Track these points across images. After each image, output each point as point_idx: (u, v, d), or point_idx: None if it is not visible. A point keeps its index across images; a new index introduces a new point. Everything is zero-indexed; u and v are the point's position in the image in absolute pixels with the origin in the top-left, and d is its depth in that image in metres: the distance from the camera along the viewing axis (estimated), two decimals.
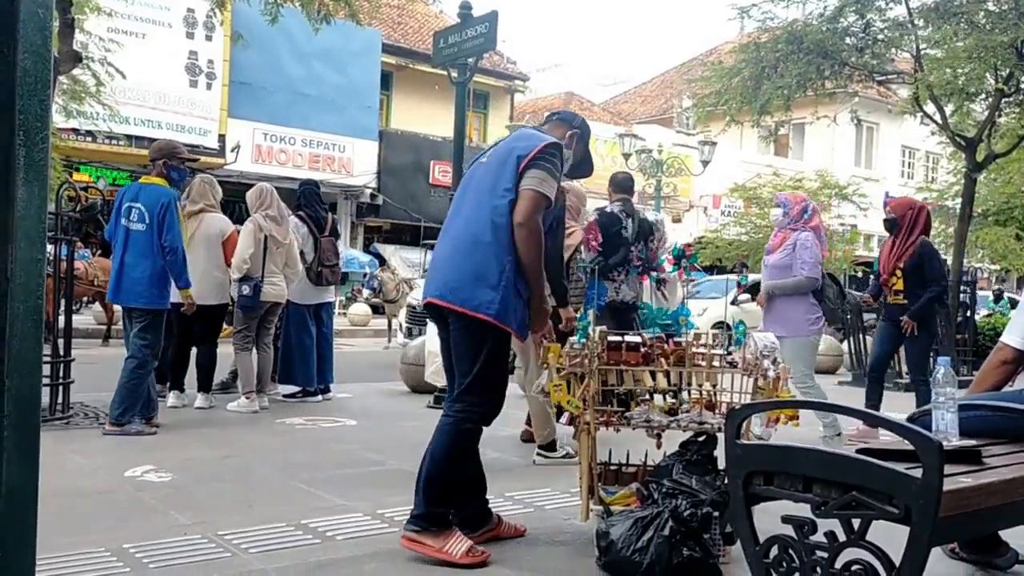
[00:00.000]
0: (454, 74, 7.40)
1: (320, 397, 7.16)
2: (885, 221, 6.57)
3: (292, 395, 7.15)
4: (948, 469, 2.06)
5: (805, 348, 5.76)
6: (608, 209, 6.00)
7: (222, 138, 17.60)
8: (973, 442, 2.55)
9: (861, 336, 10.36)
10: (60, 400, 5.84)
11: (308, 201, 7.27)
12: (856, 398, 8.56)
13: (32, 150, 1.11)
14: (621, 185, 6.20)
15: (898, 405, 6.72)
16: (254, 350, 6.71)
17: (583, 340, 3.49)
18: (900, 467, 2.07)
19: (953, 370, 2.58)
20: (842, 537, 2.12)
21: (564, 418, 3.56)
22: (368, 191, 20.18)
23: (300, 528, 3.50)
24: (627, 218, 5.86)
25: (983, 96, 12.77)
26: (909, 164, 30.53)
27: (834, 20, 12.69)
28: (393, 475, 4.65)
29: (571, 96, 30.90)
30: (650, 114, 30.99)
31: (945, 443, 2.17)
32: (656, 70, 36.16)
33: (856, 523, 2.10)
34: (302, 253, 6.96)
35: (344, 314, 16.95)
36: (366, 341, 15.69)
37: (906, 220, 6.39)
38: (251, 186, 7.02)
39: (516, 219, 3.13)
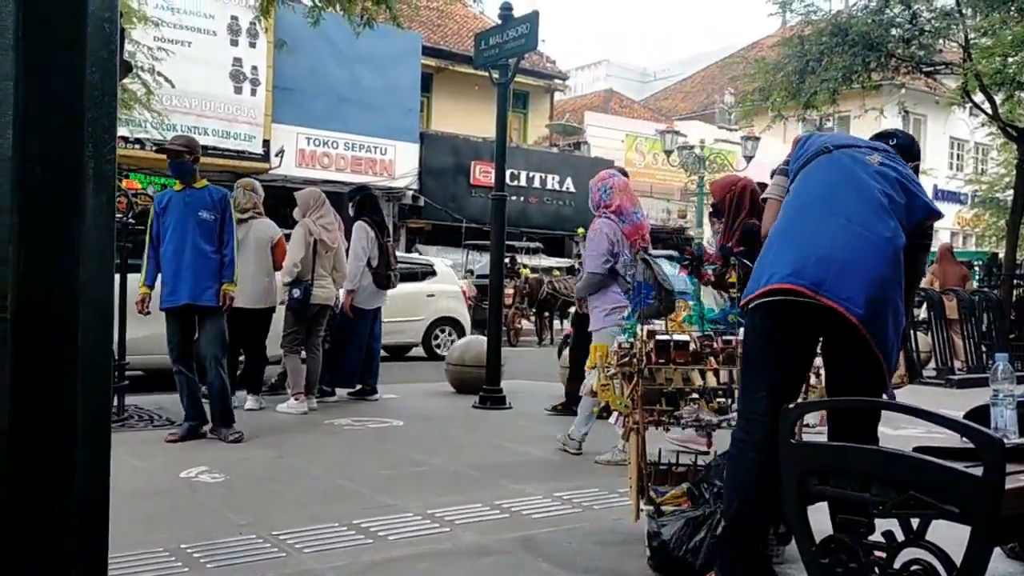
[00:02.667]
0: (495, 75, 7.42)
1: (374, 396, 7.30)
2: (710, 207, 5.65)
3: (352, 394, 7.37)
4: (1009, 467, 2.02)
5: (602, 338, 4.98)
6: None
7: (266, 143, 17.82)
8: None
9: (912, 333, 10.18)
10: (116, 403, 5.96)
11: (372, 207, 7.36)
12: (908, 396, 8.41)
13: (100, 162, 1.15)
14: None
15: (950, 403, 6.60)
16: (303, 352, 6.79)
17: (631, 339, 3.48)
18: (959, 465, 2.04)
19: (1011, 366, 2.52)
20: (901, 537, 2.09)
21: (613, 417, 3.54)
22: (410, 193, 20.29)
23: (352, 528, 3.54)
24: None
25: None
26: (958, 156, 29.93)
27: (880, 11, 12.48)
28: (441, 475, 4.68)
29: (611, 94, 30.80)
30: (691, 110, 30.75)
31: (1006, 440, 2.13)
32: (697, 66, 35.78)
33: (915, 523, 2.07)
34: (369, 259, 7.04)
35: None
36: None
37: (727, 203, 5.29)
38: (295, 190, 7.13)
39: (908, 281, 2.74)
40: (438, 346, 12.05)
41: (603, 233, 5.08)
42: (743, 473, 2.64)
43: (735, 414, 3.39)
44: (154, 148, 15.87)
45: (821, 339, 2.74)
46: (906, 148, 3.01)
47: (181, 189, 5.59)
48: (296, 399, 6.54)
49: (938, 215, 2.88)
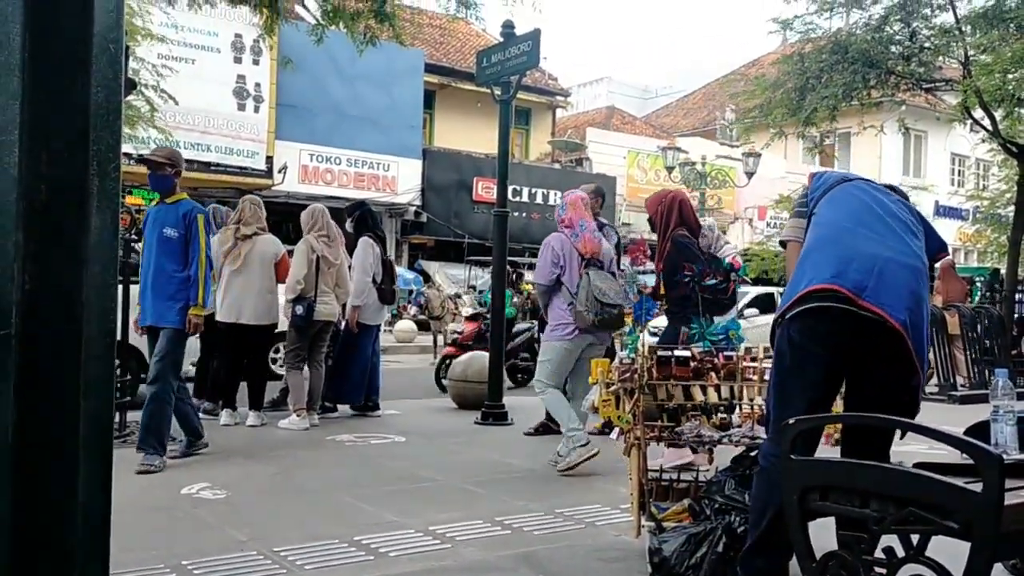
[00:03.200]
0: (498, 92, 7.46)
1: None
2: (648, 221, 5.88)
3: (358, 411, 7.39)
4: (1009, 483, 2.02)
5: (545, 352, 5.32)
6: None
7: (269, 159, 17.91)
8: None
9: None
10: (118, 419, 5.96)
11: (372, 222, 7.38)
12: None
13: (105, 180, 1.16)
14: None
15: (952, 419, 6.58)
16: (306, 368, 6.80)
17: (632, 355, 3.49)
18: (959, 481, 2.04)
19: (1012, 382, 2.53)
20: (901, 553, 2.09)
21: (614, 433, 3.55)
22: (412, 209, 20.36)
23: (353, 544, 3.54)
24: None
25: None
26: (959, 172, 29.96)
27: (879, 29, 12.55)
28: (444, 491, 4.68)
29: (612, 111, 30.91)
30: (693, 127, 30.85)
31: (1005, 456, 2.13)
32: (698, 83, 35.93)
33: (915, 539, 2.07)
34: (373, 274, 7.06)
35: (390, 331, 17.10)
36: (411, 357, 15.78)
37: (659, 216, 5.53)
38: (299, 206, 7.16)
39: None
40: None
41: (549, 246, 5.25)
42: (775, 488, 2.57)
43: (736, 429, 3.40)
44: (135, 160, 16.05)
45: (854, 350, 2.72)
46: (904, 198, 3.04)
47: (157, 204, 5.40)
48: (298, 415, 6.54)
49: (947, 251, 2.92)
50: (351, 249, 7.17)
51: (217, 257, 6.53)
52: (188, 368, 6.47)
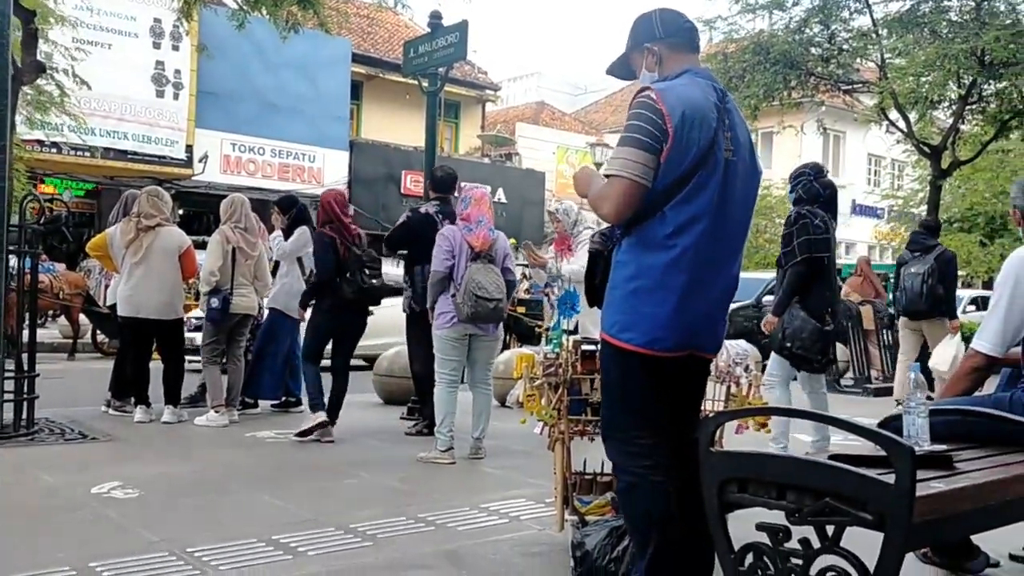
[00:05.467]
0: (425, 84, 7.39)
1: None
2: None
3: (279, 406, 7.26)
4: (920, 474, 2.06)
5: (434, 343, 5.43)
6: (422, 210, 6.09)
7: (189, 148, 17.43)
8: (944, 447, 2.56)
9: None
10: (25, 416, 5.72)
11: (308, 218, 7.10)
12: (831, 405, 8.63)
13: None
14: (441, 184, 6.27)
15: (867, 411, 6.78)
16: (224, 363, 6.63)
17: (556, 350, 3.48)
18: (873, 473, 2.07)
19: (924, 376, 2.59)
20: (816, 544, 2.12)
21: (537, 428, 3.54)
22: None
23: (271, 544, 3.45)
24: (443, 220, 5.88)
25: (947, 104, 13.00)
26: (875, 172, 30.95)
27: (799, 31, 12.86)
28: (365, 489, 4.61)
29: (542, 106, 31.00)
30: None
31: (917, 448, 2.18)
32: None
33: (830, 529, 2.10)
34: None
35: None
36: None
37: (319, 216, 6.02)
38: (220, 197, 6.97)
39: None
40: None
41: (444, 236, 5.38)
42: (656, 501, 2.47)
43: None
44: (72, 151, 15.47)
45: None
46: None
47: None
48: (216, 411, 6.37)
49: None
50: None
51: (119, 249, 6.32)
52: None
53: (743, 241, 2.66)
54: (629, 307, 2.48)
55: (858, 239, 29.12)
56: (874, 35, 12.65)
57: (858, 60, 13.63)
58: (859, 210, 29.35)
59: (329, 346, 6.07)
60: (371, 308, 6.15)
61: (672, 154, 2.42)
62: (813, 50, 13.12)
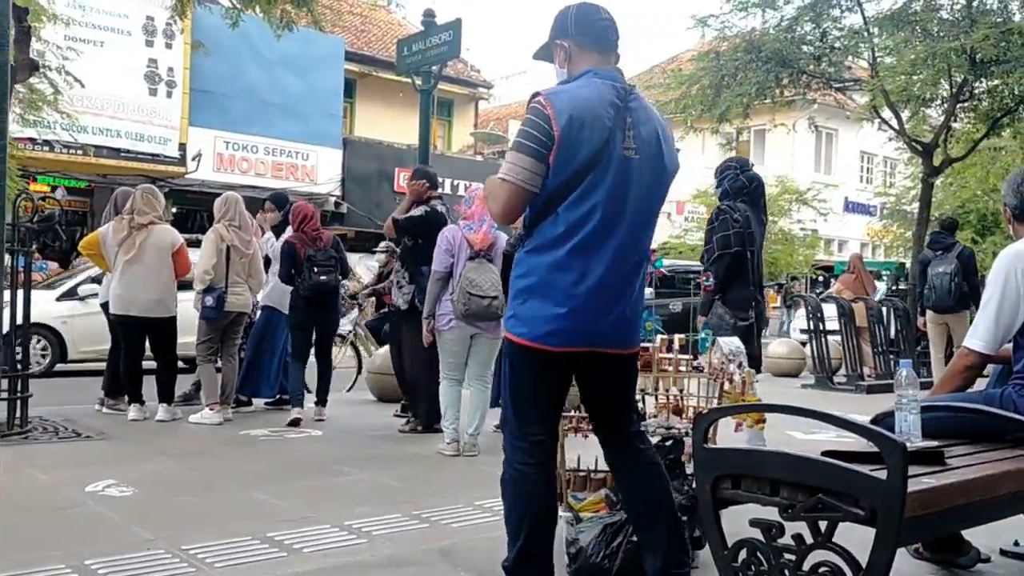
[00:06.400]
0: (418, 82, 7.40)
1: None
2: None
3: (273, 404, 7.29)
4: (912, 470, 2.08)
5: (437, 343, 5.59)
6: (440, 208, 6.25)
7: (183, 147, 17.36)
8: (936, 443, 2.58)
9: (824, 339, 10.49)
10: (19, 414, 5.72)
11: None
12: (820, 401, 8.69)
13: None
14: (435, 181, 6.52)
15: (860, 408, 6.80)
16: (218, 361, 6.64)
17: None
18: (865, 469, 2.10)
19: (915, 372, 2.62)
20: (809, 540, 2.14)
21: None
22: (332, 199, 20.02)
23: (266, 541, 3.46)
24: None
25: (938, 102, 13.04)
26: (868, 169, 31.04)
27: (791, 29, 12.88)
28: (360, 486, 4.62)
29: None
30: None
31: (908, 444, 2.20)
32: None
33: (823, 525, 2.12)
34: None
35: None
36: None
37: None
38: (213, 195, 6.97)
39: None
40: None
41: (444, 236, 5.50)
42: (533, 496, 2.64)
43: (652, 419, 3.44)
44: (64, 149, 15.40)
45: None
46: None
47: None
48: (211, 409, 6.38)
49: None
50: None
51: (111, 247, 6.32)
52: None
53: (647, 239, 2.70)
54: (519, 303, 2.59)
55: (851, 236, 29.20)
56: (865, 33, 12.68)
57: (849, 58, 13.67)
58: (852, 207, 29.44)
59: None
60: None
61: (560, 154, 2.46)
62: (805, 48, 13.15)
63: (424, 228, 6.05)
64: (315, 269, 6.41)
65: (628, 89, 2.61)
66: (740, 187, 4.94)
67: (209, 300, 6.36)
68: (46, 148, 15.34)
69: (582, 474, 3.59)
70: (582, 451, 3.70)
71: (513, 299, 2.63)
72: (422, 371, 5.99)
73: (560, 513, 3.42)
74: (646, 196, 2.61)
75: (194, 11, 9.46)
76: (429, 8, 7.32)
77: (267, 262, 7.00)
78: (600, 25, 2.69)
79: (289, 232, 6.77)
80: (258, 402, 7.26)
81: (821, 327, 10.55)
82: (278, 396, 7.24)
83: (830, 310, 10.91)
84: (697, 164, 24.05)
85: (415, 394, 6.30)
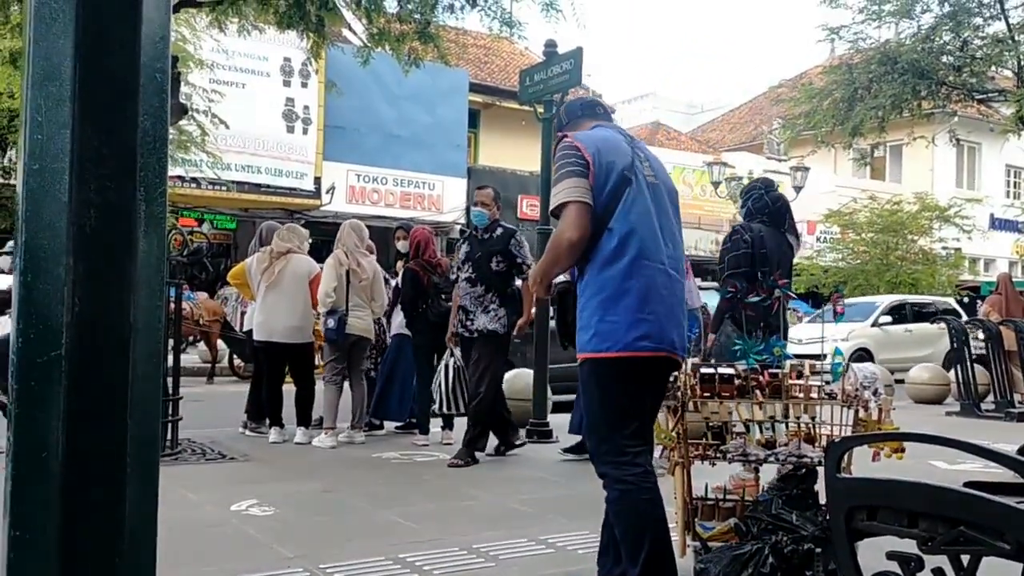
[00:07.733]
0: (540, 110, 7.49)
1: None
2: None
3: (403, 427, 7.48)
4: None
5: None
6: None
7: (318, 180, 18.16)
8: None
9: (969, 365, 9.93)
10: (169, 437, 6.08)
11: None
12: (965, 430, 8.20)
13: (151, 205, 1.20)
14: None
15: (1009, 437, 6.41)
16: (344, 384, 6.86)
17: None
18: (1011, 501, 1.99)
19: None
20: (951, 574, 2.04)
21: (657, 451, 3.52)
22: (457, 227, 20.45)
23: (397, 562, 3.55)
24: None
25: None
26: (1015, 184, 29.26)
27: (929, 39, 12.36)
28: (488, 510, 4.68)
29: (658, 126, 30.80)
30: (739, 141, 30.59)
31: None
32: (744, 97, 35.66)
33: (965, 559, 2.03)
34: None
35: None
36: None
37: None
38: None
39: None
40: None
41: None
42: (646, 515, 2.71)
43: (783, 447, 3.36)
44: (210, 186, 16.37)
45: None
46: None
47: None
48: (326, 433, 6.56)
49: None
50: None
51: (256, 276, 6.65)
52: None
53: (680, 250, 2.95)
54: (597, 320, 2.74)
55: (998, 255, 27.54)
56: (1010, 41, 12.03)
57: (993, 68, 12.99)
58: (998, 224, 27.76)
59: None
60: None
61: (597, 175, 2.77)
62: (944, 58, 12.60)
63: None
64: (443, 296, 6.57)
65: (632, 137, 3.01)
66: (763, 207, 5.02)
67: (331, 322, 6.59)
68: (192, 185, 16.32)
69: (710, 502, 3.53)
70: (709, 479, 3.64)
71: (589, 319, 2.77)
72: (496, 393, 6.20)
73: (688, 543, 3.38)
74: (672, 215, 2.94)
75: (328, 51, 9.89)
76: (551, 39, 7.42)
77: (397, 291, 7.22)
78: (583, 106, 3.18)
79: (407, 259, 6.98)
80: (389, 425, 7.46)
81: (967, 351, 9.99)
82: (408, 420, 7.42)
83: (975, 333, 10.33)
84: (829, 184, 23.33)
85: (489, 417, 6.19)
